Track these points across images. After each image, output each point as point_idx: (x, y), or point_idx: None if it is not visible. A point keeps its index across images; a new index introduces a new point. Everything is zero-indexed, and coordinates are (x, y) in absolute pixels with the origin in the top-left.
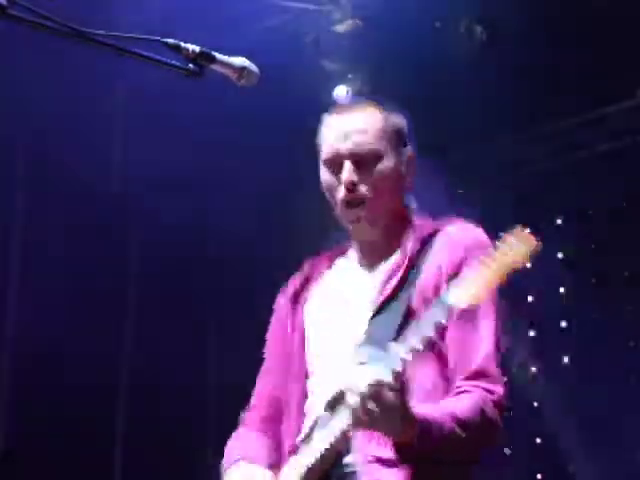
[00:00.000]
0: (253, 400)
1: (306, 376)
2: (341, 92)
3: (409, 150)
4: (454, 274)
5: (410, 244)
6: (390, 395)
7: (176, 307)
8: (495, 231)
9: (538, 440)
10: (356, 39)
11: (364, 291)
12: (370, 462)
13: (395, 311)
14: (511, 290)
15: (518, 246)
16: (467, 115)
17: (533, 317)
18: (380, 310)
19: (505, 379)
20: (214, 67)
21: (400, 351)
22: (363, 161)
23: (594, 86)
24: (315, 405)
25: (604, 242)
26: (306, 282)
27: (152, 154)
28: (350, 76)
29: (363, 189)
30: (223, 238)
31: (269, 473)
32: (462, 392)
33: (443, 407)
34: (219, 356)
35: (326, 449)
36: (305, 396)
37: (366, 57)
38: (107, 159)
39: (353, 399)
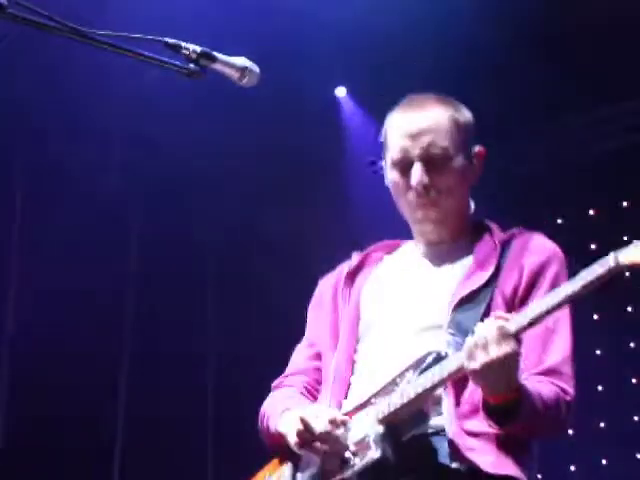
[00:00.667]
0: (289, 369)
1: (354, 349)
2: (341, 92)
3: (477, 147)
4: (534, 278)
5: (492, 244)
6: (512, 344)
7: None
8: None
9: None
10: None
11: (438, 282)
12: (459, 431)
13: (477, 306)
14: None
15: None
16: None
17: None
18: (462, 302)
19: (574, 389)
20: (215, 67)
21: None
22: (433, 162)
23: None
24: (364, 371)
25: None
26: (359, 268)
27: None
28: None
29: (434, 192)
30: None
31: (335, 409)
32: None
33: (537, 387)
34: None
35: (417, 394)
36: (351, 366)
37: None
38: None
39: (474, 340)
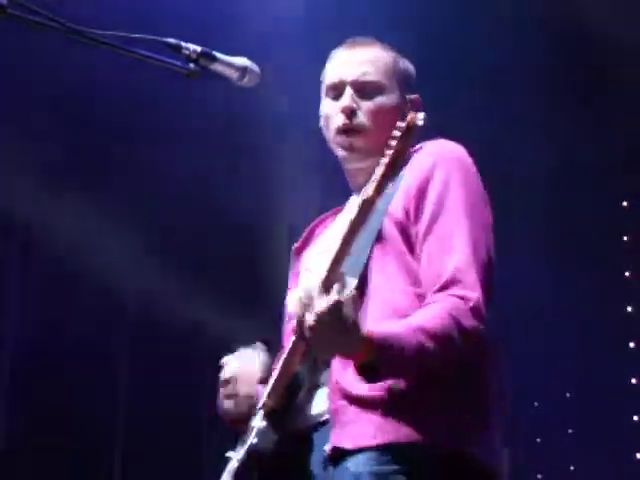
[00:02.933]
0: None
1: None
2: None
3: (415, 96)
4: (422, 190)
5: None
6: (322, 300)
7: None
8: None
9: (538, 440)
10: None
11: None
12: (342, 400)
13: (367, 237)
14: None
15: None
16: None
17: None
18: (353, 230)
19: (480, 289)
20: (215, 67)
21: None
22: (365, 91)
23: None
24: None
25: None
26: (311, 235)
27: None
28: None
29: (361, 117)
30: None
31: (257, 354)
32: (431, 304)
33: (408, 321)
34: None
35: (281, 366)
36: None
37: None
38: None
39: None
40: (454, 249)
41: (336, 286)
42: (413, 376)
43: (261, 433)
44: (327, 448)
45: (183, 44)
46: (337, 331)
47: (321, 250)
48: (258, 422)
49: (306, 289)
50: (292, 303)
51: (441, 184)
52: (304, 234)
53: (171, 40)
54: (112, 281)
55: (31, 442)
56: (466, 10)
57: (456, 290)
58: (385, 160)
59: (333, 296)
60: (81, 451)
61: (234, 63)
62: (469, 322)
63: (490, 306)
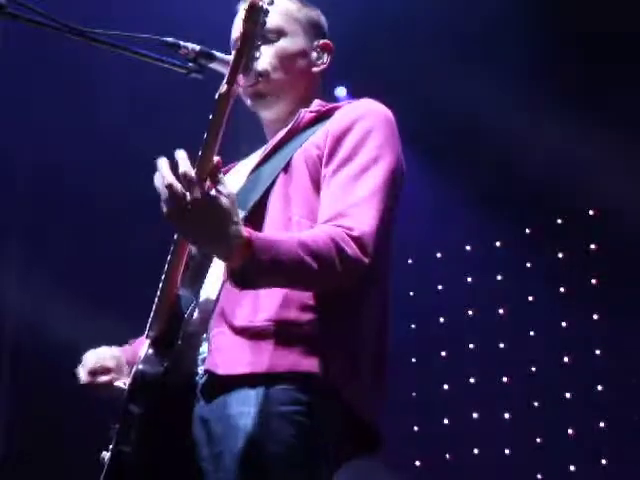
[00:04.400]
0: None
1: None
2: (341, 92)
3: (325, 40)
4: (340, 135)
5: (304, 112)
6: (197, 189)
7: None
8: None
9: (538, 440)
10: None
11: (252, 164)
12: (223, 327)
13: (275, 166)
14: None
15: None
16: None
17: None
18: (260, 165)
19: (370, 224)
20: (213, 66)
21: None
22: (266, 37)
23: None
24: None
25: None
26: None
27: None
28: None
29: (264, 62)
30: None
31: (120, 353)
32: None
33: (290, 234)
34: None
35: (161, 288)
36: None
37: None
38: None
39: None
40: (354, 191)
41: (217, 178)
42: (284, 286)
43: (146, 359)
44: (200, 370)
45: (182, 43)
46: (214, 220)
47: None
48: (144, 350)
49: (183, 173)
50: (158, 181)
51: (360, 134)
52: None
53: (170, 39)
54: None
55: (32, 448)
56: None
57: (344, 221)
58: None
59: (211, 182)
60: (81, 451)
61: None
62: (351, 251)
63: (382, 258)
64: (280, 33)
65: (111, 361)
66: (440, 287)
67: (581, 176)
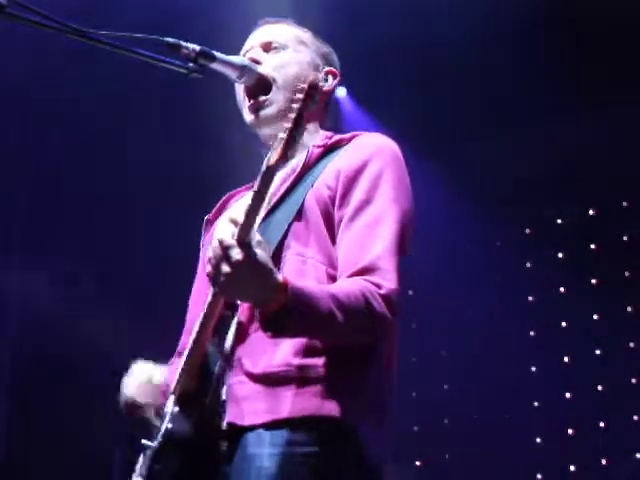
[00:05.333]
0: (184, 330)
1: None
2: (341, 92)
3: (332, 68)
4: (353, 177)
5: (312, 148)
6: (237, 252)
7: None
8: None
9: (538, 440)
10: None
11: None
12: (241, 376)
13: (288, 210)
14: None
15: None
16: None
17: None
18: (273, 210)
19: (396, 281)
20: (214, 66)
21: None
22: (270, 47)
23: None
24: None
25: None
26: (223, 206)
27: None
28: None
29: (266, 66)
30: None
31: (163, 368)
32: (346, 282)
33: (323, 286)
34: None
35: (192, 344)
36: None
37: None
38: None
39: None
40: (375, 240)
41: (252, 236)
42: (313, 337)
43: (174, 418)
44: (224, 424)
45: (182, 43)
46: (253, 274)
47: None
48: (170, 407)
49: (221, 239)
50: (207, 253)
51: (374, 176)
52: (217, 206)
53: (170, 40)
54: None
55: (31, 450)
56: None
57: (372, 277)
58: (287, 124)
59: (249, 243)
60: (81, 451)
61: (233, 62)
62: (380, 307)
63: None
64: (284, 47)
65: (159, 381)
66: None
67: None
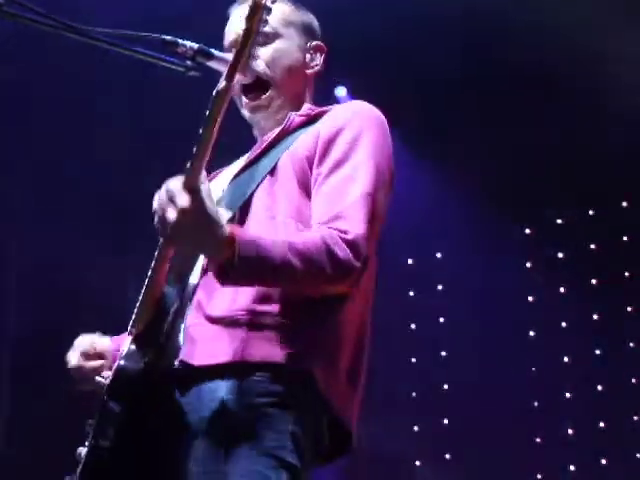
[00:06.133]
0: None
1: None
2: (341, 92)
3: (318, 42)
4: (332, 138)
5: (293, 115)
6: (184, 198)
7: None
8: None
9: (538, 440)
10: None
11: (239, 165)
12: (199, 319)
13: (261, 168)
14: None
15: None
16: None
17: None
18: (246, 168)
19: (364, 227)
20: (211, 64)
21: None
22: (261, 40)
23: None
24: None
25: None
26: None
27: None
28: None
29: (261, 66)
30: None
31: (110, 342)
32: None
33: (279, 236)
34: None
35: (146, 286)
36: None
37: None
38: None
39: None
40: (347, 192)
41: (200, 185)
42: (270, 286)
43: (129, 355)
44: (175, 363)
45: (180, 41)
46: (200, 224)
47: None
48: (126, 346)
49: (167, 186)
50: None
51: (351, 135)
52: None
53: (168, 37)
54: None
55: (31, 442)
56: None
57: (338, 223)
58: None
59: (197, 189)
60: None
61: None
62: (342, 253)
63: (372, 259)
64: (274, 36)
65: (104, 347)
66: (440, 287)
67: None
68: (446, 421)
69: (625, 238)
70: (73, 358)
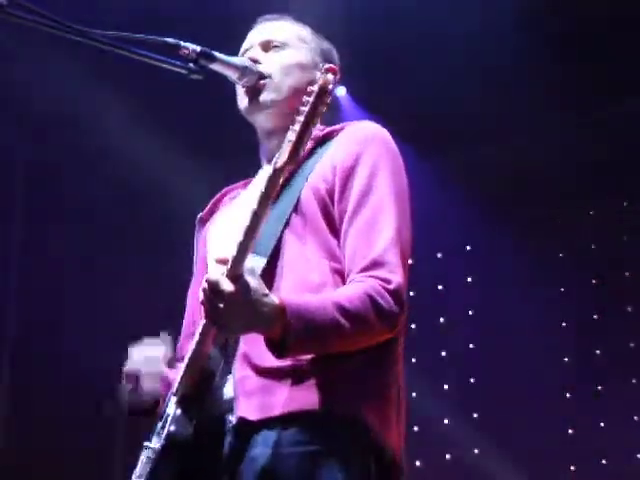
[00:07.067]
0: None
1: None
2: (341, 92)
3: (332, 65)
4: (349, 170)
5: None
6: (228, 284)
7: None
8: None
9: (538, 440)
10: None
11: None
12: (248, 371)
13: (284, 206)
14: None
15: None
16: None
17: None
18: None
19: (402, 274)
20: (214, 67)
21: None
22: (270, 46)
23: None
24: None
25: None
26: (216, 205)
27: None
28: None
29: (266, 65)
30: None
31: (163, 347)
32: (352, 283)
33: (324, 296)
34: None
35: (192, 350)
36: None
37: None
38: None
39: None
40: (380, 234)
41: (243, 267)
42: (323, 351)
43: (176, 420)
44: (232, 419)
45: (182, 44)
46: (248, 307)
47: (227, 220)
48: (172, 409)
49: (210, 279)
50: (199, 294)
51: (370, 166)
52: (210, 204)
53: (170, 40)
54: None
55: (31, 442)
56: None
57: (379, 272)
58: (296, 127)
59: (240, 274)
60: (81, 451)
61: (234, 63)
62: (388, 305)
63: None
64: (284, 45)
65: (158, 366)
66: (440, 287)
67: None
68: (446, 421)
69: (625, 238)
70: (136, 357)
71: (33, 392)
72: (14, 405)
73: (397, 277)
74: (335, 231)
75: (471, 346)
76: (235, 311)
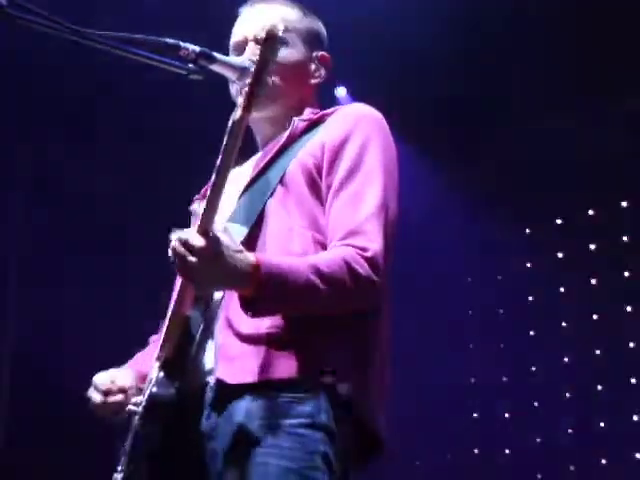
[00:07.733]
0: None
1: None
2: (341, 92)
3: (324, 53)
4: (339, 146)
5: (297, 121)
6: (199, 239)
7: None
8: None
9: (538, 440)
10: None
11: (247, 173)
12: (231, 337)
13: (271, 178)
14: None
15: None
16: None
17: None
18: (256, 179)
19: (381, 243)
20: (214, 67)
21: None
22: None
23: None
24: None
25: None
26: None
27: None
28: None
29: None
30: None
31: (130, 371)
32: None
33: (302, 259)
34: None
35: (171, 314)
36: None
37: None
38: None
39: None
40: (363, 205)
41: (214, 226)
42: (297, 312)
43: (159, 383)
44: (210, 380)
45: (182, 44)
46: (220, 261)
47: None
48: (155, 373)
49: (180, 235)
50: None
51: (360, 143)
52: (202, 190)
53: (170, 40)
54: None
55: (31, 442)
56: None
57: (356, 240)
58: (250, 79)
59: (209, 231)
60: (81, 451)
61: (233, 63)
62: (365, 271)
63: (388, 268)
64: (281, 43)
65: (125, 380)
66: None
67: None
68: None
69: (625, 238)
70: (96, 397)
71: (33, 392)
72: (14, 404)
73: (374, 245)
74: (322, 204)
75: (471, 346)
76: (206, 265)
